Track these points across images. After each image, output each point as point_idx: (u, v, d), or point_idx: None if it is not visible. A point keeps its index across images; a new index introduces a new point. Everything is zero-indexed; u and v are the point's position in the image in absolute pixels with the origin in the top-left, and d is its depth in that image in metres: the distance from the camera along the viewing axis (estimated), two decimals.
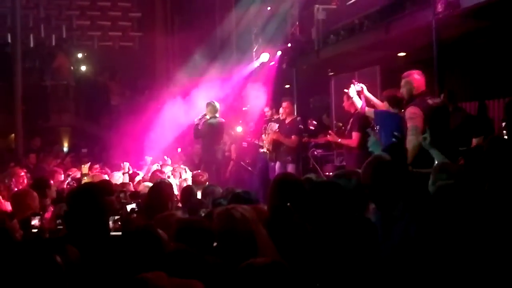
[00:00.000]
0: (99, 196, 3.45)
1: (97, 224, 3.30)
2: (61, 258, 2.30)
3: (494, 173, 3.71)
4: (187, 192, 5.42)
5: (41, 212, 4.54)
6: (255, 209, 3.12)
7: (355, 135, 7.12)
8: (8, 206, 5.33)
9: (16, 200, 5.01)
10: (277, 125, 8.80)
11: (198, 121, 9.01)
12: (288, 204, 3.44)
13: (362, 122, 6.95)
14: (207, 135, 8.95)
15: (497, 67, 8.14)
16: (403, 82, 5.35)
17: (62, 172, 8.44)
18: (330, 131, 8.09)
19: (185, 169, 8.63)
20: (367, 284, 2.75)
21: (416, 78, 5.30)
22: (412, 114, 5.13)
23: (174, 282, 1.80)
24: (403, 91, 5.36)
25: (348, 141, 7.24)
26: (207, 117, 8.92)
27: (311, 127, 9.11)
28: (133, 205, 4.52)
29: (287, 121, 8.71)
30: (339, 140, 7.52)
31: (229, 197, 4.02)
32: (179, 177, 8.10)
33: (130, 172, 8.71)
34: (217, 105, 9.01)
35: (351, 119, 7.25)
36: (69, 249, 2.57)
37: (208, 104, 9.00)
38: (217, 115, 8.97)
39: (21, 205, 4.81)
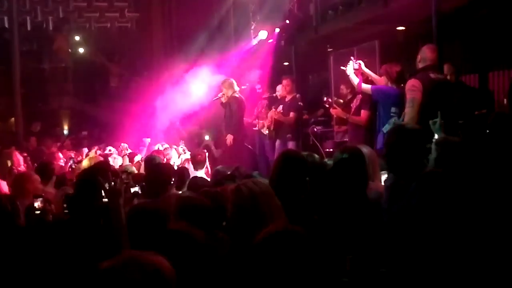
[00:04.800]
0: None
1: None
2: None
3: (497, 148, 3.70)
4: (179, 173, 5.47)
5: (43, 194, 4.55)
6: None
7: (364, 113, 6.93)
8: (4, 187, 5.36)
9: (16, 184, 5.04)
10: (281, 105, 8.70)
11: (221, 97, 8.63)
12: (307, 178, 3.48)
13: (373, 100, 6.63)
14: (237, 111, 8.55)
15: (497, 39, 8.07)
16: None
17: (59, 155, 8.46)
18: (334, 105, 7.85)
19: (184, 149, 8.60)
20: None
21: (425, 50, 5.31)
22: (411, 87, 5.14)
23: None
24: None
25: (357, 119, 7.03)
26: (235, 91, 8.56)
27: (327, 105, 8.69)
28: (136, 188, 4.50)
29: (287, 99, 8.66)
30: (346, 116, 7.32)
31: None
32: (178, 157, 8.12)
33: (128, 152, 8.73)
34: (234, 81, 8.74)
35: (360, 96, 7.05)
36: None
37: (225, 81, 8.66)
38: (236, 89, 8.66)
39: (20, 189, 4.84)
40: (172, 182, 4.57)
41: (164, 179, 4.37)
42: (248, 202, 2.86)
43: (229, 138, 8.49)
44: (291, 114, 8.48)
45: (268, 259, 1.92)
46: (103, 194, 3.13)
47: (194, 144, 10.60)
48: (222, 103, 8.70)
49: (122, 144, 9.32)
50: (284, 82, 8.73)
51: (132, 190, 4.43)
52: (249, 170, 5.36)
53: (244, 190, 2.90)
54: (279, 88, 8.95)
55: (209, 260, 2.26)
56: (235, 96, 8.58)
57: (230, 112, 8.56)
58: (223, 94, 8.60)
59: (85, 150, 9.69)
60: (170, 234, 2.33)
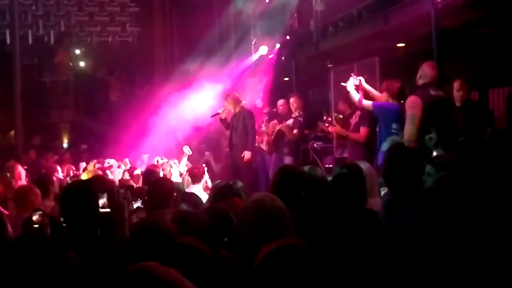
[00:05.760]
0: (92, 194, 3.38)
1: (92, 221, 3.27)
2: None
3: (493, 166, 3.71)
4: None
5: (42, 208, 4.53)
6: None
7: (363, 129, 6.92)
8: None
9: (19, 197, 5.01)
10: (292, 120, 8.62)
11: (221, 113, 8.49)
12: (302, 193, 3.49)
13: (372, 117, 6.70)
14: (253, 125, 8.41)
15: (497, 56, 8.10)
16: None
17: (57, 168, 8.43)
18: (334, 123, 7.80)
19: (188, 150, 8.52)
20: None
21: (425, 67, 5.35)
22: (411, 103, 5.17)
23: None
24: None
25: (356, 136, 7.01)
26: (242, 104, 8.45)
27: (326, 124, 8.64)
28: (139, 203, 4.45)
29: (293, 115, 8.61)
30: (345, 133, 7.28)
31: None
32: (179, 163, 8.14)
33: (128, 167, 8.72)
34: (237, 95, 8.67)
35: (359, 113, 7.04)
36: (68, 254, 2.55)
37: (228, 96, 8.53)
38: (243, 102, 8.55)
39: (24, 202, 4.81)
40: (174, 196, 4.54)
41: (167, 194, 4.33)
42: (269, 216, 2.85)
43: (247, 155, 8.23)
44: (295, 131, 8.47)
45: (270, 276, 1.90)
46: (101, 206, 3.11)
47: (194, 158, 10.58)
48: (221, 119, 8.60)
49: (124, 159, 9.29)
50: (292, 99, 8.68)
51: (135, 205, 4.38)
52: (248, 186, 5.34)
53: (266, 204, 2.89)
54: (280, 102, 8.95)
55: (216, 275, 2.23)
56: (247, 109, 8.51)
57: (244, 127, 8.32)
58: (224, 110, 8.50)
59: (83, 164, 9.67)
60: (177, 248, 2.29)
